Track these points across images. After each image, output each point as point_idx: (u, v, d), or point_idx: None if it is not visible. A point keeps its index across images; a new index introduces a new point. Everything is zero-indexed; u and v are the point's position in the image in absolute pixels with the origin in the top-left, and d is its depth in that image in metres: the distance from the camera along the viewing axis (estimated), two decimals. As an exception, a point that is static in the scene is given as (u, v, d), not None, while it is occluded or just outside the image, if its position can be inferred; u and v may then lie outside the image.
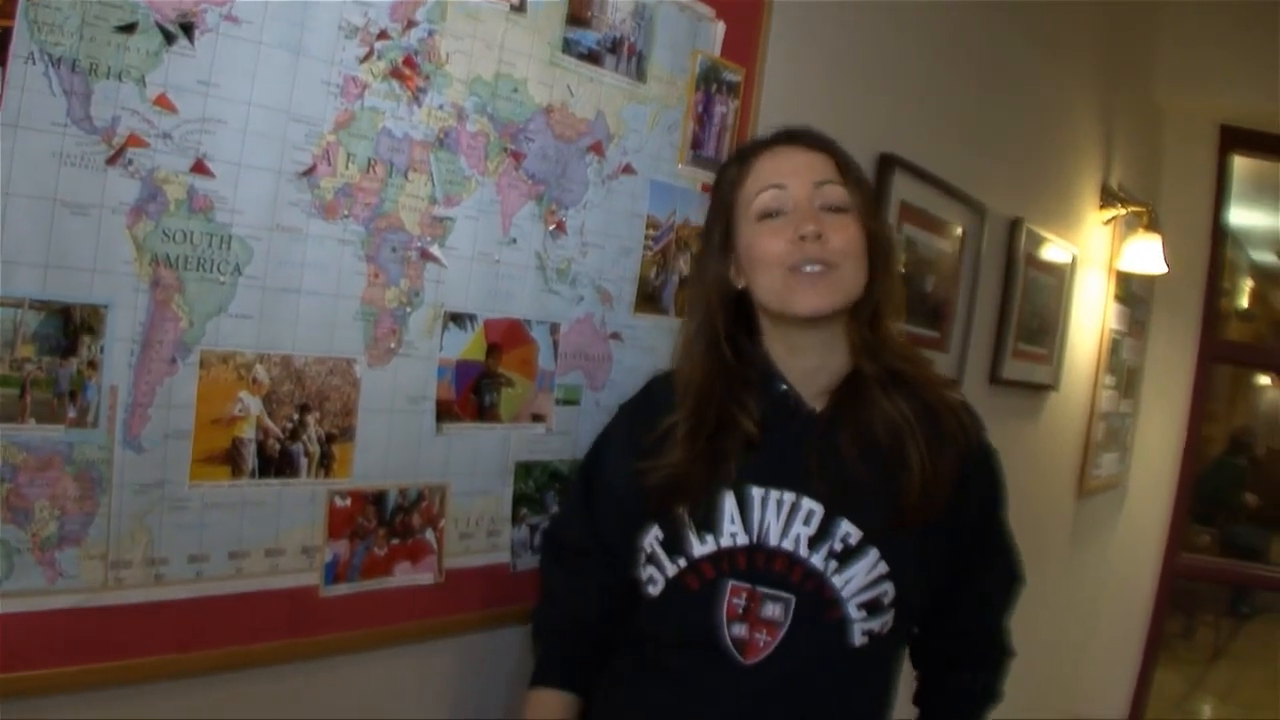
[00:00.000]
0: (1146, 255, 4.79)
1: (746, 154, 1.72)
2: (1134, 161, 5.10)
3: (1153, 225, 4.80)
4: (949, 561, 1.69)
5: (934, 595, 1.72)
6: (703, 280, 1.73)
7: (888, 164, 2.81)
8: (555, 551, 1.88)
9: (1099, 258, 4.83)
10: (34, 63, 1.25)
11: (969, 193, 3.33)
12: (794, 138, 1.70)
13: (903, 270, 2.91)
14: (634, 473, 1.69)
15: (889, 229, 1.74)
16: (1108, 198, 4.72)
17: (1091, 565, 5.32)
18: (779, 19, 2.32)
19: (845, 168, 1.68)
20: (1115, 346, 5.15)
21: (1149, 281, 5.40)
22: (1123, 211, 4.79)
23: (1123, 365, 5.35)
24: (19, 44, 1.24)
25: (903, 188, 2.87)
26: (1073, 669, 5.23)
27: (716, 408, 1.65)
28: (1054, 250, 4.18)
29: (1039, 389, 4.28)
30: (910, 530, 1.60)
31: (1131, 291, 5.28)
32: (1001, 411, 3.79)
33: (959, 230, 3.34)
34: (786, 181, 1.63)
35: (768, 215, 1.63)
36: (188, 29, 1.38)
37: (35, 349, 1.30)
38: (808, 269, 1.58)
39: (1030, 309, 4.02)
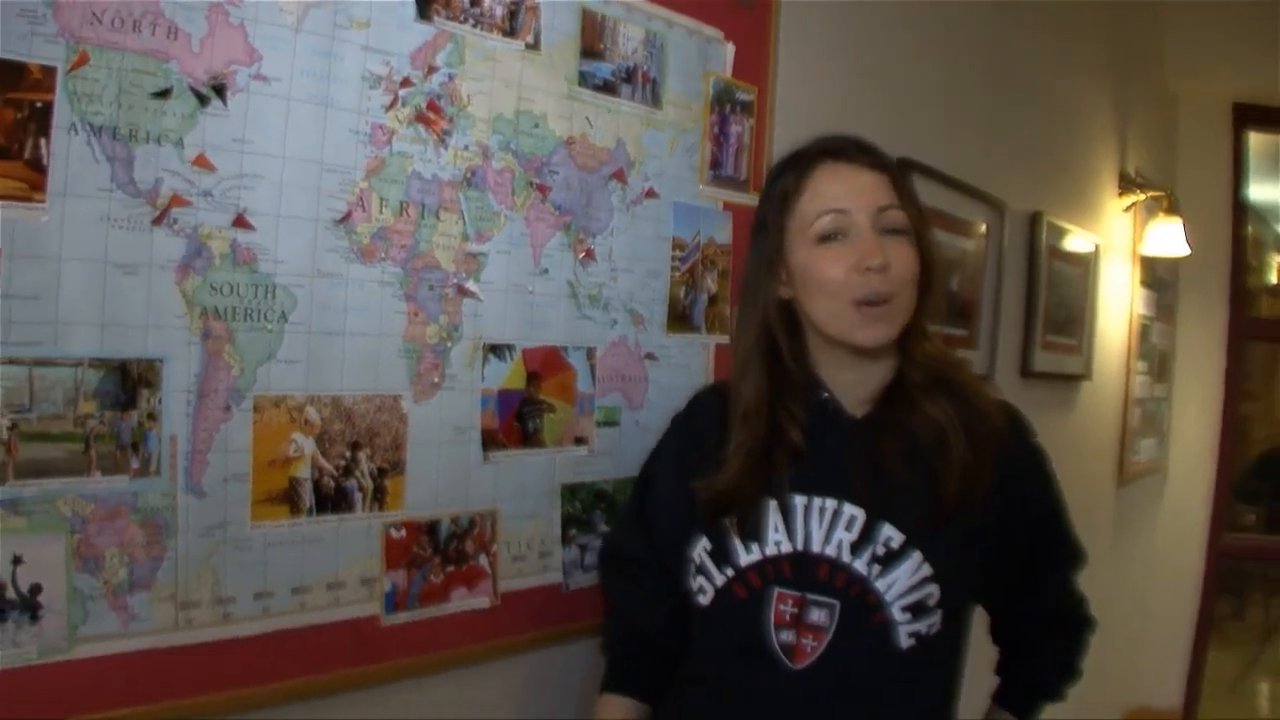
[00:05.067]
0: (1169, 238, 4.81)
1: (801, 165, 1.67)
2: (1150, 147, 5.11)
3: (1173, 208, 4.82)
4: (1008, 559, 1.72)
5: (998, 589, 1.77)
6: (755, 295, 1.70)
7: (904, 168, 2.76)
8: (614, 564, 1.92)
9: (1122, 245, 4.85)
10: (76, 132, 1.31)
11: (987, 190, 3.36)
12: (851, 154, 1.66)
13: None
14: (683, 489, 1.72)
15: (937, 245, 1.73)
16: (1126, 184, 4.75)
17: (1137, 552, 5.30)
18: (786, 36, 2.36)
19: (901, 187, 1.66)
20: (1145, 332, 5.16)
21: (1174, 265, 5.42)
22: (1142, 197, 4.81)
23: (1154, 350, 5.36)
24: (60, 116, 1.30)
25: (921, 190, 2.81)
26: (1125, 657, 5.15)
27: (768, 420, 1.66)
28: (1076, 240, 4.20)
29: (1071, 379, 4.30)
30: (953, 532, 1.61)
31: (1157, 276, 5.29)
32: (1035, 404, 3.72)
33: (980, 228, 3.37)
34: (847, 205, 1.61)
35: (827, 238, 1.62)
36: (220, 90, 1.44)
37: (96, 405, 1.35)
38: (872, 302, 1.59)
39: (1056, 300, 4.04)
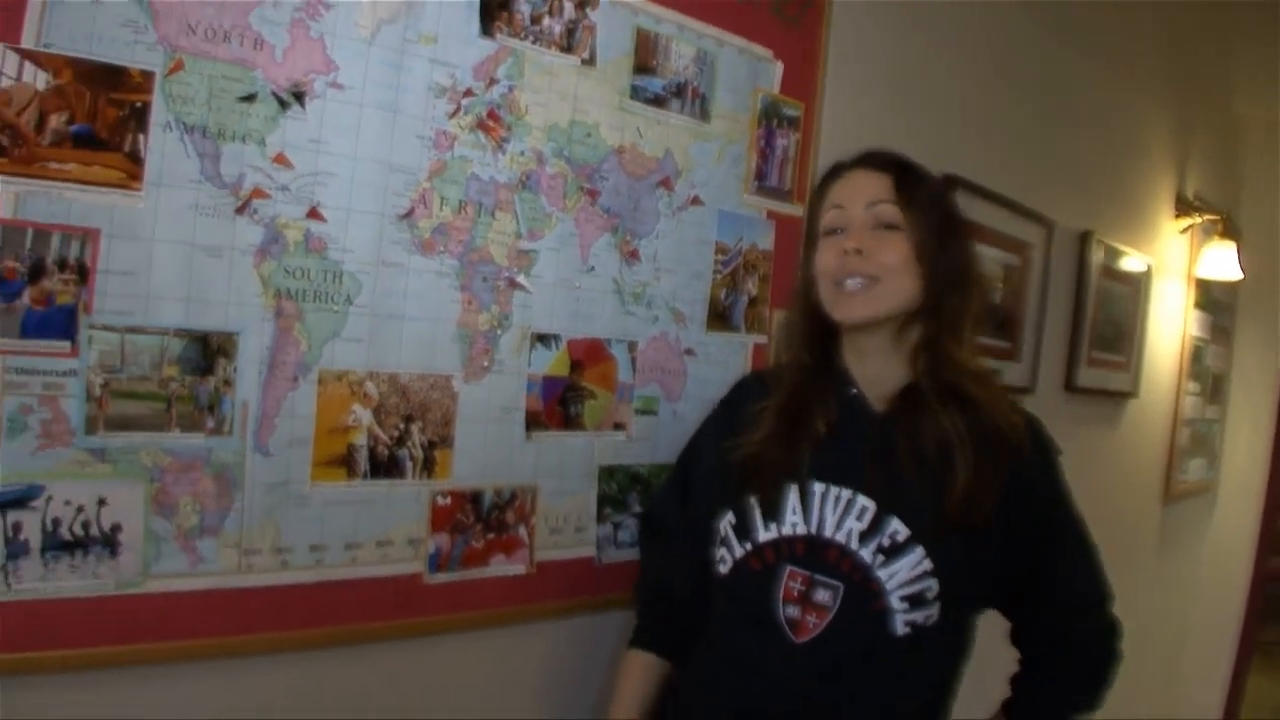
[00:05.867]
0: (1222, 262, 4.80)
1: (828, 176, 1.84)
2: (1211, 170, 5.09)
3: (1228, 232, 4.80)
4: (1014, 562, 1.77)
5: (1010, 593, 1.82)
6: (799, 297, 1.87)
7: (949, 184, 2.86)
8: (650, 529, 2.04)
9: (1177, 266, 4.82)
10: (171, 130, 1.49)
11: (1035, 208, 3.41)
12: (864, 160, 1.80)
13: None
14: (721, 455, 1.83)
15: (960, 247, 1.80)
16: (1183, 207, 4.72)
17: (1183, 571, 5.30)
18: (835, 54, 2.47)
19: (903, 187, 1.74)
20: (1198, 353, 5.14)
21: (1232, 288, 5.39)
22: (1199, 220, 4.78)
23: (1207, 372, 5.33)
24: (157, 115, 1.48)
25: (967, 206, 2.87)
26: (1162, 677, 5.16)
27: (799, 401, 1.79)
28: (1129, 260, 4.23)
29: (1117, 396, 4.30)
30: (958, 533, 1.68)
31: (1214, 299, 5.27)
32: (1079, 419, 3.86)
33: (1025, 245, 3.41)
34: (845, 202, 1.76)
35: (830, 232, 1.77)
36: (299, 96, 1.61)
37: (179, 370, 1.53)
38: (849, 282, 1.72)
39: (1105, 318, 4.07)
